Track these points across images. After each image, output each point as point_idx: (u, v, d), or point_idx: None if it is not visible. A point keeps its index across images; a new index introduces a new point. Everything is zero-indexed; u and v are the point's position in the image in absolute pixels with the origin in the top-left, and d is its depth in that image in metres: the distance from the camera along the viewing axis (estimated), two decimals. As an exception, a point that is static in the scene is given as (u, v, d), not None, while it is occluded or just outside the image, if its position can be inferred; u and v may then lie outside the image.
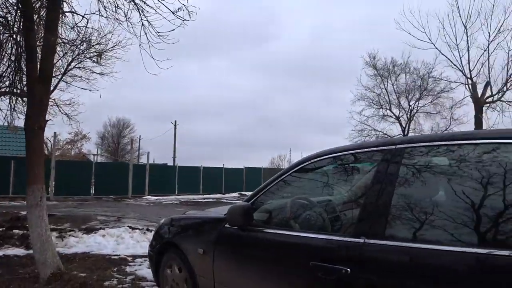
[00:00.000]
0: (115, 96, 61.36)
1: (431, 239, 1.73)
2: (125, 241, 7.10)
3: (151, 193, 22.44)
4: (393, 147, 2.06)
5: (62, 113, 15.47)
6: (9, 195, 17.72)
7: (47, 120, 5.14)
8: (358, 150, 2.37)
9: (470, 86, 20.09)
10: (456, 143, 1.85)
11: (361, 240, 1.90)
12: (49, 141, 25.54)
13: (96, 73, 15.41)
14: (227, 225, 2.73)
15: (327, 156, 2.45)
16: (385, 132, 25.39)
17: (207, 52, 73.84)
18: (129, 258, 5.88)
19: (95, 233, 7.59)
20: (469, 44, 19.73)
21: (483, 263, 1.50)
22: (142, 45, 5.87)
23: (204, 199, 21.64)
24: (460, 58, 20.05)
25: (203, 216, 3.40)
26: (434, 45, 20.47)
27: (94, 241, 7.02)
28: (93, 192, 20.86)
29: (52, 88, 14.23)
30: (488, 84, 19.64)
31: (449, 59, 20.35)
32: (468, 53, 19.86)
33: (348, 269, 1.86)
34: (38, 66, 4.82)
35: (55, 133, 21.09)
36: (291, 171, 2.59)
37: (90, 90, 15.10)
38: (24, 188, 4.79)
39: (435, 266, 1.63)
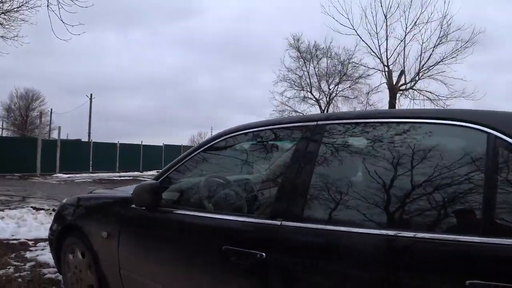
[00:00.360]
0: (23, 64, 55.82)
1: (348, 221, 1.67)
2: (28, 223, 6.46)
3: (62, 170, 21.01)
4: (314, 123, 1.95)
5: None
6: None
7: None
8: (277, 126, 2.22)
9: (386, 73, 21.34)
10: (375, 121, 1.80)
11: (278, 223, 1.78)
12: None
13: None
14: (133, 206, 2.49)
15: (243, 132, 2.29)
16: (305, 114, 26.16)
17: (126, 24, 70.11)
18: (31, 242, 5.36)
19: (-9, 215, 6.84)
20: (388, 34, 20.89)
21: (391, 244, 1.48)
22: (50, 6, 5.26)
23: (120, 177, 20.73)
24: (379, 46, 21.18)
25: (108, 195, 3.11)
26: (356, 31, 21.35)
27: (-10, 224, 6.30)
28: (-6, 169, 18.94)
29: None
30: (402, 72, 21.05)
31: (369, 46, 21.41)
32: (387, 42, 21.06)
33: (264, 254, 1.74)
34: None
35: None
36: (205, 147, 2.39)
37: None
38: None
39: (350, 249, 1.58)
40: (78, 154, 23.05)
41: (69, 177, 19.35)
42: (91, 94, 36.77)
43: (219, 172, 2.61)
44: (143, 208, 2.39)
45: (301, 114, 25.88)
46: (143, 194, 2.30)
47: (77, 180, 17.65)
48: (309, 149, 1.87)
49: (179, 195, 2.45)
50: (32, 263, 4.39)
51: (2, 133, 35.94)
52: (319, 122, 1.94)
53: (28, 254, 4.74)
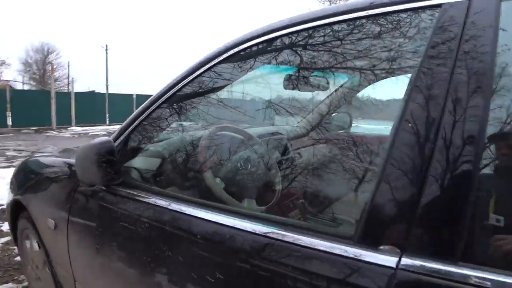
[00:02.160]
0: (34, 17, 54.56)
1: None
2: (19, 184, 5.61)
3: (78, 123, 20.46)
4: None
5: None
6: None
7: None
8: (360, 14, 0.87)
9: None
10: None
11: (393, 259, 0.67)
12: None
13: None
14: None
15: (281, 33, 1.01)
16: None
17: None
18: (15, 209, 4.49)
19: (-19, 175, 6.02)
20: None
21: None
22: None
23: (137, 129, 20.04)
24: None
25: (57, 161, 1.92)
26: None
27: (-22, 185, 5.47)
28: (10, 123, 18.32)
29: None
30: None
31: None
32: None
33: None
34: None
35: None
36: (202, 70, 1.14)
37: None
38: None
39: None
40: (94, 106, 22.35)
41: (83, 130, 18.71)
42: (106, 45, 35.71)
43: (235, 120, 1.52)
44: (97, 187, 1.34)
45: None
46: (87, 165, 1.21)
47: (92, 133, 16.95)
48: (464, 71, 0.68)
49: (159, 164, 1.35)
50: (7, 238, 3.51)
51: (23, 87, 35.50)
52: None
53: (5, 227, 3.86)
